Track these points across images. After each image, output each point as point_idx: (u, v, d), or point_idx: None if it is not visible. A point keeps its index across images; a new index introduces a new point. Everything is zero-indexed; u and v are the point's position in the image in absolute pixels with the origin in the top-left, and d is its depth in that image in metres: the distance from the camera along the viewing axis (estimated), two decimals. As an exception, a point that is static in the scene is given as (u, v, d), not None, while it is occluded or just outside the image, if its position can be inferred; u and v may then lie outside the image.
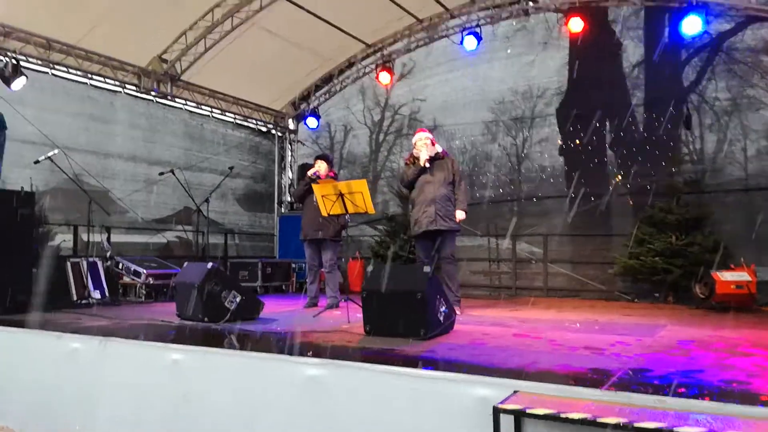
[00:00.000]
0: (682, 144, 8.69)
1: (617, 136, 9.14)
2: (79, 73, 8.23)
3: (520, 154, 9.93)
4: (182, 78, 9.46)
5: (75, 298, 6.93)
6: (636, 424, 2.37)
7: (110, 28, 7.93)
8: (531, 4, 9.60)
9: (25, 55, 7.49)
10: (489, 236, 9.85)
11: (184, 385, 3.80)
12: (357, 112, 11.46)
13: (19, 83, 7.11)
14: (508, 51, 9.87)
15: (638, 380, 3.00)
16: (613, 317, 6.06)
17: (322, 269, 6.97)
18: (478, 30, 9.60)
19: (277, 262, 9.89)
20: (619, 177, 9.03)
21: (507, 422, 2.72)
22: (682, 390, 2.73)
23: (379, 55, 10.85)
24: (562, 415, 2.53)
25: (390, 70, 10.39)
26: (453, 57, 10.04)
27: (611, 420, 2.43)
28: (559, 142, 9.68)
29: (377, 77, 10.42)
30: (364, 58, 11.10)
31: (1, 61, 7.06)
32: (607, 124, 9.29)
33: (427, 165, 6.22)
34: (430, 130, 6.98)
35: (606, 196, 8.94)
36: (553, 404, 2.66)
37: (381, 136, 11.46)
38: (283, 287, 9.62)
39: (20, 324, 5.02)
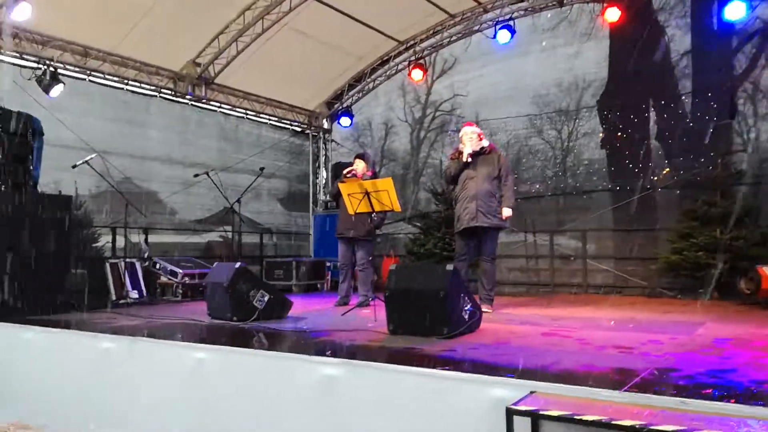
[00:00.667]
0: (734, 134, 8.35)
1: (663, 128, 8.86)
2: (115, 78, 8.45)
3: (565, 147, 9.72)
4: (216, 81, 9.60)
5: (114, 297, 7.13)
6: (653, 427, 2.27)
7: (145, 35, 8.11)
8: (567, -6, 9.37)
9: (62, 63, 7.73)
10: (526, 232, 9.66)
11: (208, 384, 3.85)
12: (398, 109, 11.40)
13: (57, 90, 7.34)
14: (547, 43, 9.66)
15: (662, 381, 2.89)
16: (651, 315, 5.88)
17: (356, 267, 6.98)
18: (511, 23, 9.43)
19: (312, 260, 9.95)
20: (667, 170, 8.73)
21: (520, 423, 2.65)
22: (708, 391, 2.62)
23: (411, 51, 10.78)
24: (576, 417, 2.45)
25: (422, 67, 10.30)
26: (494, 50, 9.80)
27: (627, 422, 2.34)
28: (601, 134, 9.45)
29: (409, 74, 10.34)
30: (396, 56, 11.04)
31: (40, 69, 7.30)
32: (652, 115, 9.02)
33: (469, 160, 6.12)
34: (477, 124, 6.84)
35: (650, 189, 8.67)
36: (569, 406, 2.58)
37: (422, 133, 11.40)
38: (318, 286, 9.67)
39: (60, 324, 5.18)
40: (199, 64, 9.26)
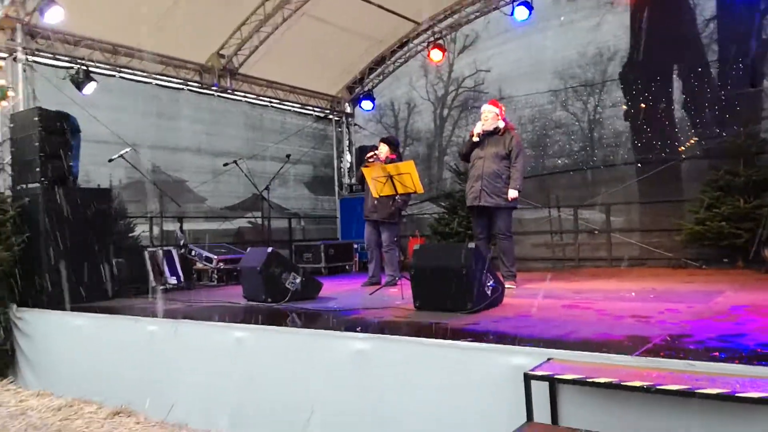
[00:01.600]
0: (763, 101, 8.22)
1: (688, 97, 8.77)
2: (144, 74, 8.75)
3: (592, 119, 9.63)
4: (240, 71, 9.86)
5: (154, 284, 7.47)
6: (660, 387, 2.46)
7: (170, 30, 8.35)
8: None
9: (93, 61, 8.03)
10: (550, 207, 9.75)
11: (247, 360, 4.14)
12: (420, 88, 11.36)
13: (90, 88, 7.65)
14: (568, 16, 9.54)
15: (674, 346, 3.06)
16: (673, 285, 5.99)
17: (382, 249, 7.18)
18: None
19: (340, 243, 10.21)
20: (694, 140, 8.69)
21: (538, 388, 2.86)
22: (716, 354, 2.78)
23: (430, 32, 10.85)
24: (589, 380, 2.65)
25: (441, 47, 10.34)
26: (515, 25, 9.68)
27: (635, 383, 2.53)
28: (624, 106, 9.41)
29: (429, 55, 10.41)
30: (415, 37, 11.11)
31: (73, 68, 7.61)
32: (677, 84, 8.94)
33: (476, 139, 6.19)
34: (498, 102, 6.62)
35: (674, 160, 8.66)
36: (582, 370, 2.78)
37: (445, 111, 11.35)
38: (346, 267, 9.93)
39: (104, 310, 5.53)
40: (223, 56, 9.51)
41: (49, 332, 5.69)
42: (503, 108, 6.47)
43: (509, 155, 6.08)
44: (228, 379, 4.13)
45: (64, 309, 5.72)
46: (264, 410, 3.93)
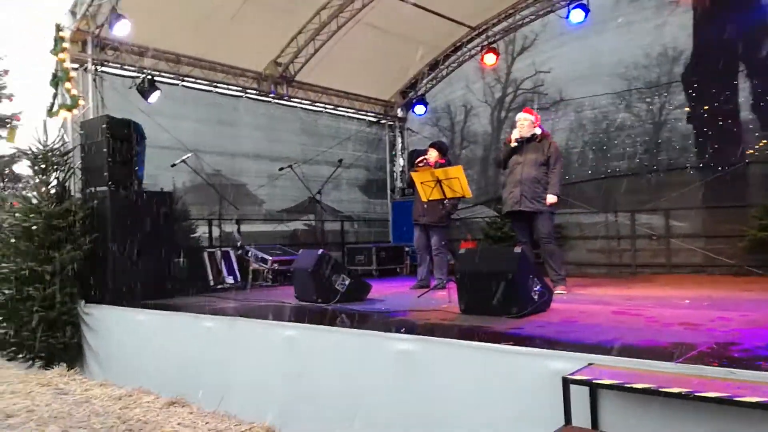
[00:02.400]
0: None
1: (757, 98, 8.46)
2: (205, 82, 9.15)
3: (656, 121, 9.32)
4: (296, 79, 10.15)
5: (212, 283, 7.80)
6: (698, 394, 2.44)
7: (230, 39, 8.72)
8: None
9: (158, 71, 8.46)
10: (607, 212, 9.56)
11: (296, 358, 4.30)
12: (477, 91, 11.31)
13: (154, 96, 8.06)
14: (632, 16, 9.27)
15: (719, 354, 3.01)
16: (731, 293, 5.82)
17: (432, 252, 7.24)
18: (585, 1, 9.31)
19: (391, 246, 10.34)
20: (763, 142, 8.35)
21: (578, 393, 2.87)
22: (761, 363, 2.73)
23: (483, 36, 10.85)
24: (627, 385, 2.65)
25: (495, 51, 10.33)
26: (574, 26, 9.44)
27: (674, 390, 2.52)
28: (687, 108, 9.14)
29: (482, 59, 10.42)
30: (469, 41, 11.14)
31: (139, 78, 8.03)
32: (744, 85, 8.60)
33: (515, 144, 6.24)
34: (533, 110, 6.72)
35: (739, 164, 8.36)
36: (622, 376, 2.78)
37: (503, 113, 11.23)
38: (397, 270, 10.04)
39: (165, 307, 5.83)
40: (280, 64, 9.82)
41: (113, 327, 6.04)
42: (538, 116, 6.53)
43: (548, 162, 6.15)
44: (277, 375, 4.30)
45: (127, 305, 6.05)
46: (311, 406, 4.08)
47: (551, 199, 6.08)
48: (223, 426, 3.45)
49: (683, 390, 2.49)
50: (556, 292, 5.94)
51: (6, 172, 17.96)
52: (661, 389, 2.55)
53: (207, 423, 3.50)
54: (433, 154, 7.22)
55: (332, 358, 4.10)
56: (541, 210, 6.11)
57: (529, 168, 6.14)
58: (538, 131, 6.32)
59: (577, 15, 9.25)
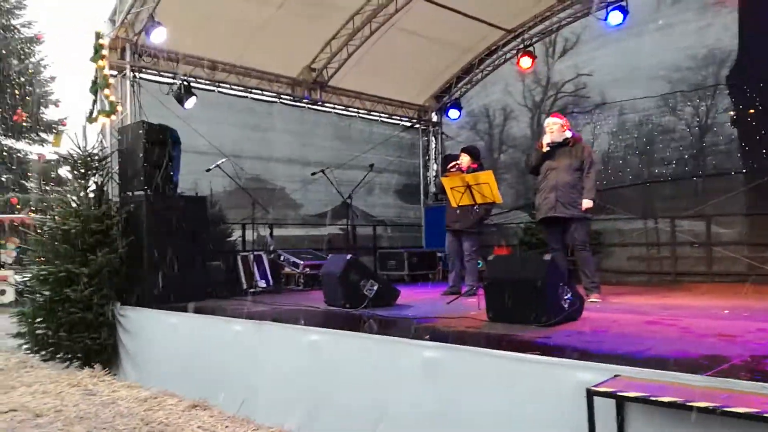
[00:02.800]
0: None
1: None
2: (240, 88, 9.31)
3: (703, 125, 9.07)
4: (330, 84, 10.23)
5: (245, 287, 7.88)
6: (726, 408, 2.34)
7: (264, 46, 8.86)
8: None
9: (194, 77, 8.64)
10: (645, 219, 9.31)
11: (320, 363, 4.29)
12: (516, 94, 11.19)
13: (190, 102, 8.22)
14: (677, 17, 9.05)
15: (752, 367, 2.88)
16: (773, 304, 5.57)
17: (464, 258, 7.17)
18: (624, 3, 9.13)
19: (424, 251, 10.28)
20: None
21: (601, 404, 2.79)
22: (798, 378, 2.59)
23: (519, 40, 10.73)
24: (652, 398, 2.56)
25: (531, 55, 10.20)
26: (615, 28, 9.29)
27: (701, 404, 2.41)
28: (732, 112, 8.86)
29: (518, 63, 10.30)
30: (504, 45, 11.04)
31: (176, 84, 8.21)
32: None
33: (546, 149, 6.13)
34: (561, 114, 6.69)
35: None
36: (648, 388, 2.68)
37: (542, 117, 10.90)
38: (429, 276, 9.98)
39: (197, 310, 5.91)
40: (314, 69, 9.91)
41: (146, 329, 6.16)
42: (567, 120, 6.41)
43: (582, 166, 6.03)
44: (301, 380, 4.30)
45: (161, 308, 6.16)
46: (335, 412, 4.06)
47: (587, 203, 5.96)
48: (241, 430, 3.47)
49: (711, 404, 2.38)
50: (589, 300, 5.83)
51: (53, 175, 18.59)
52: (687, 403, 2.44)
53: (226, 427, 3.53)
54: (465, 159, 7.17)
55: (356, 364, 4.08)
56: (576, 216, 5.99)
57: (563, 173, 6.03)
58: (568, 134, 6.20)
59: (615, 17, 9.10)
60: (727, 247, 8.52)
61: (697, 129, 9.10)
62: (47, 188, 18.60)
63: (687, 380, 2.70)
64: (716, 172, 8.73)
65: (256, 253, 8.20)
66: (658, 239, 9.29)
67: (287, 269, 8.59)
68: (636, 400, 2.62)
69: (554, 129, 6.17)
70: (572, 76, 10.34)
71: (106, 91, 7.26)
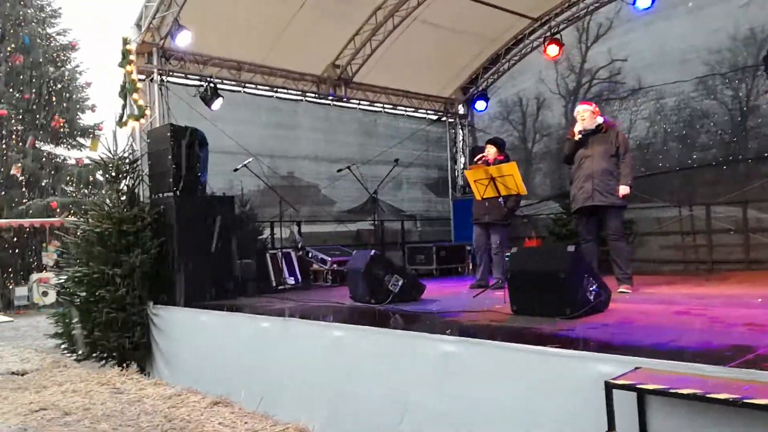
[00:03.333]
0: None
1: None
2: (266, 87, 9.43)
3: (744, 108, 8.71)
4: (354, 80, 10.26)
5: (274, 284, 7.98)
6: (746, 400, 2.28)
7: (288, 45, 8.92)
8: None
9: (220, 78, 8.77)
10: (680, 206, 9.07)
11: (343, 358, 4.33)
12: (549, 82, 11.00)
13: (217, 104, 8.35)
14: None
15: (780, 358, 2.79)
16: (813, 292, 5.38)
17: (491, 251, 7.11)
18: (650, -13, 8.90)
19: (452, 245, 10.25)
20: None
21: (624, 397, 2.74)
22: (826, 368, 2.51)
23: (546, 27, 10.57)
24: (671, 390, 2.51)
25: (558, 42, 10.03)
26: (656, 7, 8.93)
27: (722, 396, 2.36)
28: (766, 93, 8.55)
29: (544, 51, 10.15)
30: (530, 33, 10.90)
31: (202, 86, 8.34)
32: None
33: (579, 137, 6.02)
34: (590, 101, 6.61)
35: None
36: (669, 380, 2.63)
37: (577, 104, 10.95)
38: (459, 269, 9.95)
39: (227, 307, 6.03)
40: (338, 66, 9.95)
41: (178, 327, 6.30)
42: (597, 106, 6.29)
43: (617, 152, 5.90)
44: (324, 375, 4.35)
45: (192, 306, 6.29)
46: (358, 406, 4.10)
47: (624, 190, 5.83)
48: (260, 426, 3.54)
49: (731, 396, 2.33)
50: (619, 290, 5.76)
51: (90, 179, 19.09)
52: (707, 395, 2.39)
53: (245, 423, 3.61)
54: (491, 151, 7.11)
55: (378, 359, 4.10)
56: (614, 203, 5.88)
57: (599, 160, 5.90)
58: (600, 120, 6.08)
59: (643, 1, 8.87)
60: (766, 233, 8.25)
61: (738, 112, 8.77)
62: (85, 192, 19.13)
63: (709, 372, 2.64)
64: (759, 155, 8.42)
65: (284, 250, 8.29)
66: (693, 227, 9.05)
67: (315, 266, 8.68)
68: (655, 392, 2.58)
69: (585, 116, 6.05)
70: (606, 61, 10.12)
71: (135, 96, 7.43)
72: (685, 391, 2.46)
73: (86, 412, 4.00)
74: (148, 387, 4.79)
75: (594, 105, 6.26)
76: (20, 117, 17.57)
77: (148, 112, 7.55)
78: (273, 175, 8.63)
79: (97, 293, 6.52)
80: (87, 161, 18.75)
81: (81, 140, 19.66)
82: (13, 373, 5.80)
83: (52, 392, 4.67)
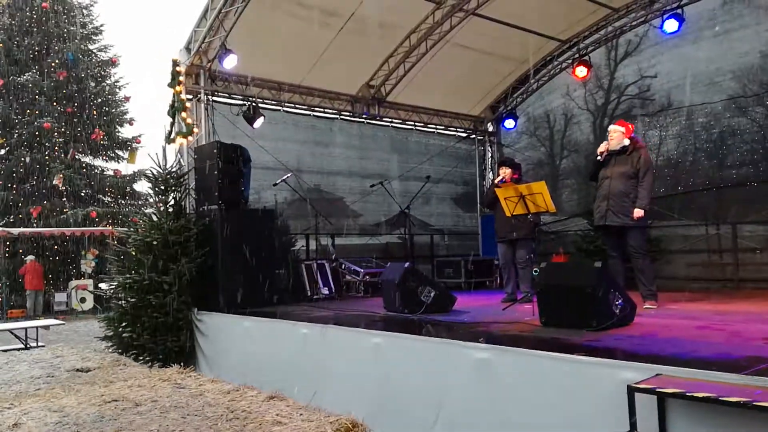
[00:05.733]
0: None
1: None
2: (303, 107, 9.90)
3: None
4: (387, 99, 10.68)
5: (309, 293, 8.34)
6: (756, 403, 2.53)
7: (326, 66, 9.37)
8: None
9: (262, 98, 9.24)
10: (707, 224, 9.20)
11: (383, 362, 4.65)
12: (578, 98, 11.13)
13: (259, 122, 8.80)
14: (747, 18, 8.82)
15: (790, 367, 3.03)
16: (835, 310, 5.55)
17: (518, 266, 7.31)
18: (679, 11, 9.14)
19: (481, 259, 10.50)
20: None
21: (645, 402, 3.01)
22: (833, 377, 2.74)
23: (575, 49, 10.84)
24: (688, 394, 2.77)
25: (587, 64, 10.29)
26: (688, 23, 9.12)
27: (733, 399, 2.62)
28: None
29: (573, 72, 10.41)
30: (559, 55, 11.16)
31: (245, 105, 8.80)
32: None
33: (600, 158, 6.19)
34: (626, 122, 6.48)
35: None
36: (687, 385, 2.89)
37: (605, 120, 10.83)
38: (487, 283, 10.18)
39: (267, 314, 6.39)
40: (372, 86, 10.37)
41: (222, 331, 6.70)
42: (631, 127, 6.37)
43: (637, 174, 6.00)
44: (365, 377, 4.67)
45: (235, 313, 6.67)
46: (396, 407, 4.40)
47: (638, 213, 5.91)
48: (314, 417, 3.87)
49: (742, 399, 2.58)
50: (644, 306, 5.91)
51: (128, 190, 19.76)
52: (720, 398, 2.65)
53: (301, 414, 3.94)
54: (507, 172, 7.32)
55: (415, 364, 4.41)
56: (626, 224, 5.99)
57: (616, 181, 6.04)
58: (626, 142, 6.16)
59: (671, 25, 9.12)
60: (792, 253, 8.36)
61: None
62: (122, 202, 19.79)
63: (724, 378, 2.89)
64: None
65: (319, 261, 8.65)
66: (720, 245, 9.17)
67: (348, 277, 9.01)
68: (673, 395, 2.84)
69: (614, 137, 6.17)
70: (636, 78, 10.22)
71: (184, 114, 7.89)
72: (700, 395, 2.73)
73: (154, 403, 4.38)
74: (206, 383, 5.16)
75: (627, 126, 6.31)
76: (62, 130, 18.30)
77: (196, 129, 8.01)
78: (299, 188, 9.00)
79: (145, 299, 6.94)
80: (125, 172, 19.44)
81: (119, 152, 20.35)
82: (78, 370, 6.25)
83: (119, 386, 5.07)
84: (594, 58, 10.59)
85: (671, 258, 9.49)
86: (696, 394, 2.74)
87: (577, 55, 10.60)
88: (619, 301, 4.83)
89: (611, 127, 6.35)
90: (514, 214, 6.39)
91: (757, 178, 8.80)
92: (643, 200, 5.93)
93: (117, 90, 20.63)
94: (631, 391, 3.01)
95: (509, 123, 11.74)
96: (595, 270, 4.71)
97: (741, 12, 8.92)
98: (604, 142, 6.27)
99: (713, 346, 3.72)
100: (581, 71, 10.27)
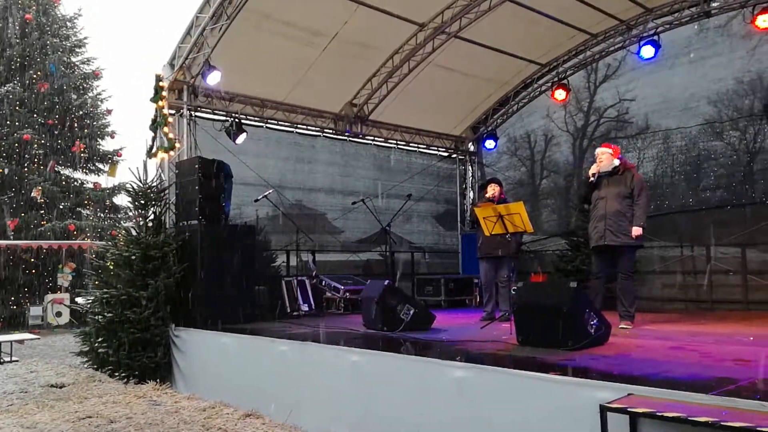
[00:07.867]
0: None
1: None
2: (287, 124, 9.93)
3: (751, 150, 8.92)
4: (370, 118, 10.76)
5: (288, 310, 8.30)
6: (724, 423, 2.60)
7: (309, 84, 9.44)
8: (714, 4, 9.10)
9: (245, 114, 9.26)
10: (682, 246, 9.37)
11: (361, 380, 4.66)
12: (558, 120, 11.28)
13: (241, 138, 8.82)
14: (722, 45, 9.08)
15: (756, 388, 3.11)
16: (804, 332, 5.68)
17: (499, 284, 7.36)
18: (656, 38, 9.38)
19: (460, 277, 10.57)
20: None
21: (613, 420, 3.07)
22: (798, 398, 2.82)
23: (554, 73, 11.05)
24: (659, 413, 2.83)
25: (565, 87, 10.53)
26: (665, 49, 9.33)
27: (702, 419, 2.68)
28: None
29: (552, 95, 10.63)
30: (539, 78, 11.37)
31: (227, 121, 8.82)
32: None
33: (592, 180, 6.29)
34: (611, 144, 6.72)
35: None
36: (657, 405, 2.95)
37: (585, 142, 11.06)
38: (466, 301, 10.24)
39: (246, 331, 6.35)
40: (355, 105, 10.46)
41: (199, 348, 6.64)
42: (618, 148, 6.52)
43: (632, 194, 6.11)
44: (344, 396, 4.67)
45: (212, 329, 6.63)
46: (375, 426, 4.41)
47: (636, 231, 6.02)
48: (290, 436, 3.87)
49: (711, 419, 2.65)
50: (620, 326, 5.99)
51: (107, 203, 19.53)
52: (690, 418, 2.71)
53: (277, 433, 3.93)
54: (497, 189, 7.43)
55: (394, 383, 4.43)
56: (625, 243, 6.08)
57: (612, 202, 6.13)
58: (617, 162, 6.29)
59: (647, 51, 9.35)
60: (763, 275, 8.53)
61: (745, 153, 8.99)
62: (101, 216, 19.54)
63: (694, 398, 2.96)
64: (761, 200, 8.63)
65: (299, 278, 8.64)
66: (694, 267, 9.32)
67: (328, 294, 9.01)
68: (644, 415, 2.90)
69: (603, 159, 6.29)
70: (614, 101, 10.41)
71: (166, 129, 7.88)
72: (671, 414, 2.79)
73: (129, 420, 4.34)
74: (182, 400, 5.12)
75: (614, 147, 6.46)
76: (42, 142, 18.09)
77: (177, 144, 8.00)
78: (281, 204, 9.02)
79: (123, 314, 6.87)
80: (105, 186, 19.24)
81: (100, 165, 20.14)
82: (52, 385, 6.15)
83: (94, 403, 5.01)
84: (574, 80, 10.80)
85: (648, 279, 9.63)
86: (666, 414, 2.81)
87: (556, 79, 10.81)
88: (594, 321, 4.90)
89: (599, 150, 6.48)
90: (492, 233, 6.46)
91: (730, 202, 9.00)
92: (640, 219, 6.05)
93: (99, 103, 20.46)
94: (604, 410, 3.07)
95: (489, 143, 11.90)
96: (571, 290, 4.79)
97: (715, 40, 9.20)
98: (594, 165, 6.37)
99: (685, 367, 3.80)
100: (560, 94, 10.49)
